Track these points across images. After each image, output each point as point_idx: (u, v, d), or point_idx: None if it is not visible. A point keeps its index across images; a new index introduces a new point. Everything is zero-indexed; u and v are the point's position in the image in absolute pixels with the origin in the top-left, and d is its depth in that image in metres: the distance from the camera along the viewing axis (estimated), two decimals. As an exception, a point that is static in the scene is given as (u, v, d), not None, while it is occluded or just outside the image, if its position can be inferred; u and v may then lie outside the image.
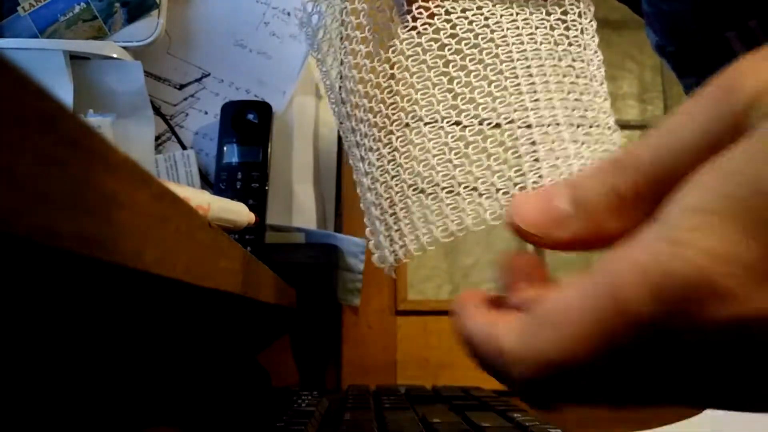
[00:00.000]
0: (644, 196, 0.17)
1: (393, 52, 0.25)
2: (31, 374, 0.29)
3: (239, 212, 0.31)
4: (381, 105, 0.25)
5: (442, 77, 0.24)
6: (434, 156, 0.23)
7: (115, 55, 0.63)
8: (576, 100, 0.25)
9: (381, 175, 0.25)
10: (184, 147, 0.69)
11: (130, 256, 0.16)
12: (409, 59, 0.25)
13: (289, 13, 0.70)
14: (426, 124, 0.24)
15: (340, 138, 0.74)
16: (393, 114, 0.25)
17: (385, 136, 0.25)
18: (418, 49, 0.24)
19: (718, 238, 0.14)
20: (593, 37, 0.26)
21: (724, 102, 0.16)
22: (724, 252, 0.14)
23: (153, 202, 0.17)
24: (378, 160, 0.25)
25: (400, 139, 0.24)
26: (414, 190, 0.24)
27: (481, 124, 0.23)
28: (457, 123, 0.24)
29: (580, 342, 0.16)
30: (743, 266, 0.14)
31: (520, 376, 0.17)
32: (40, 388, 0.30)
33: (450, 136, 0.23)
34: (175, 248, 0.20)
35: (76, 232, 0.13)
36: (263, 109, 0.67)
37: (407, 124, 0.24)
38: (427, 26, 0.25)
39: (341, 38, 0.27)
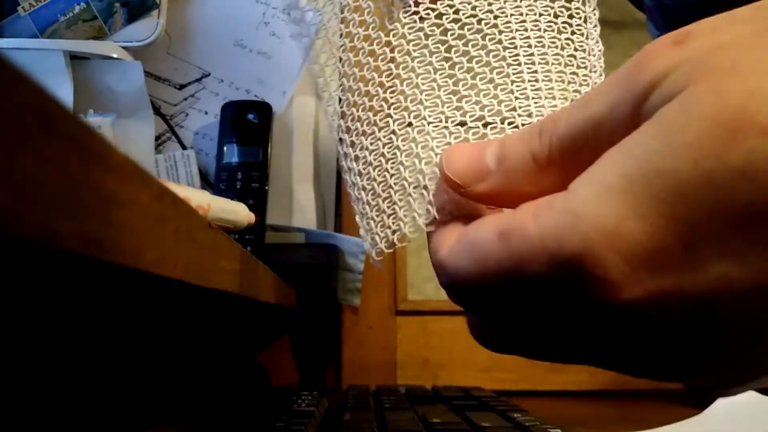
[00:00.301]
0: (557, 162, 0.18)
1: (394, 35, 0.25)
2: (31, 374, 0.29)
3: (239, 212, 0.31)
4: (379, 89, 0.25)
5: (443, 62, 0.24)
6: (434, 141, 0.23)
7: (115, 55, 0.63)
8: (575, 91, 0.25)
9: (375, 159, 0.24)
10: (184, 147, 0.69)
11: (130, 256, 0.16)
12: (411, 43, 0.24)
13: (289, 13, 0.70)
14: (426, 107, 0.24)
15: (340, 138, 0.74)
16: (392, 97, 0.25)
17: (381, 120, 0.25)
18: (420, 33, 0.24)
19: (611, 213, 0.15)
20: (596, 26, 0.26)
21: (630, 82, 0.16)
22: (613, 229, 0.15)
23: (153, 202, 0.17)
24: (372, 144, 0.25)
25: (398, 123, 0.24)
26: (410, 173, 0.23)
27: (482, 110, 0.23)
28: (458, 108, 0.24)
29: (482, 273, 0.17)
30: (628, 245, 0.15)
31: (441, 281, 0.20)
32: (41, 388, 0.30)
33: (451, 122, 0.23)
34: (175, 248, 0.20)
35: (76, 231, 0.13)
36: (263, 109, 0.67)
37: (406, 107, 0.24)
38: (429, 11, 0.25)
39: (341, 34, 0.27)
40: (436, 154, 0.23)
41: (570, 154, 0.18)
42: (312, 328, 0.69)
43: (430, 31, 0.24)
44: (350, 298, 0.70)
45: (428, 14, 0.25)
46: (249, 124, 0.66)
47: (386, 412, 0.41)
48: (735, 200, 0.14)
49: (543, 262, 0.16)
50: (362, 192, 0.25)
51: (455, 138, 0.23)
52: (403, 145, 0.24)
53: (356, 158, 0.25)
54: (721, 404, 0.52)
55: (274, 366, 0.62)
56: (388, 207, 0.24)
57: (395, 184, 0.23)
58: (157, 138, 0.68)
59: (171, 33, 0.69)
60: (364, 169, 0.25)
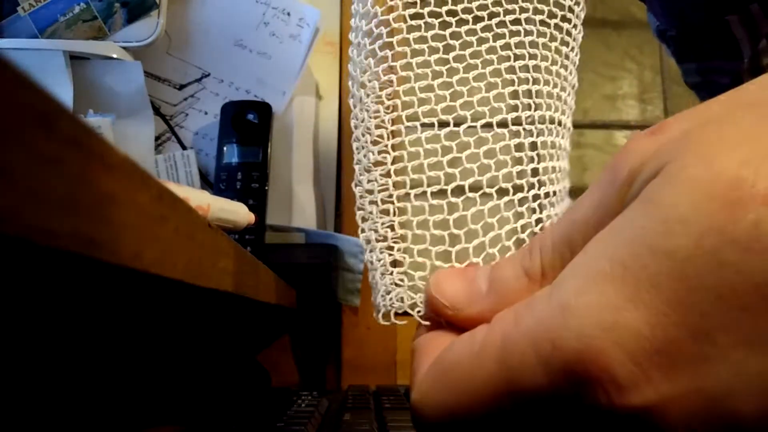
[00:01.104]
0: (549, 276, 0.17)
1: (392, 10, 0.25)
2: (31, 375, 0.29)
3: (239, 212, 0.31)
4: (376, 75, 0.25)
5: (438, 42, 0.24)
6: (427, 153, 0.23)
7: (114, 56, 0.63)
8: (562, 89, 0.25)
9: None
10: (184, 147, 0.69)
11: (129, 256, 0.16)
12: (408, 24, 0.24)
13: (289, 14, 0.70)
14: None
15: (340, 138, 0.74)
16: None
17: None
18: (421, 22, 0.24)
19: (606, 303, 0.13)
20: (583, 8, 0.26)
21: (611, 179, 0.16)
22: (612, 321, 0.13)
23: (152, 202, 0.17)
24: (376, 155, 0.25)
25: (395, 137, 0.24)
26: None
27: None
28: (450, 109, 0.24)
29: (466, 404, 0.15)
30: (631, 340, 0.13)
31: (418, 427, 0.17)
32: (40, 389, 0.30)
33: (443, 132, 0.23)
34: (175, 248, 0.20)
35: (74, 231, 0.13)
36: (263, 110, 0.67)
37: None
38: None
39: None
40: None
41: (561, 263, 0.16)
42: (312, 329, 0.69)
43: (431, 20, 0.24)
44: (350, 299, 0.70)
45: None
46: (249, 124, 0.66)
47: (386, 412, 0.40)
48: (745, 279, 0.12)
49: (537, 372, 0.14)
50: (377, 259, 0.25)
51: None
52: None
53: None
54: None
55: (274, 366, 0.62)
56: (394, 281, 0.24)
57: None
58: (157, 138, 0.68)
59: (171, 33, 0.69)
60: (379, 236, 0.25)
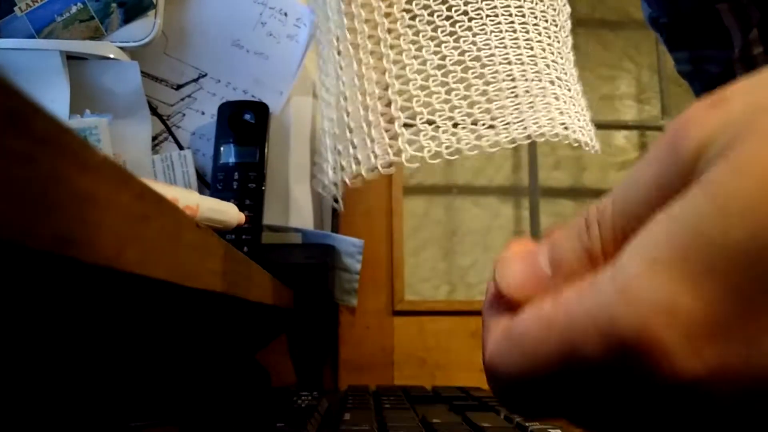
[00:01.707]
0: (610, 249, 0.17)
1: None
2: (30, 376, 0.29)
3: (228, 212, 0.31)
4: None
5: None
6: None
7: (111, 56, 0.63)
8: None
9: (351, 92, 0.24)
10: (181, 147, 0.69)
11: (109, 256, 0.16)
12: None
13: (286, 14, 0.70)
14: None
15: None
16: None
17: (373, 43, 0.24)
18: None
19: (664, 288, 0.14)
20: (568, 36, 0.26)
21: (672, 152, 0.16)
22: (669, 304, 0.14)
23: (133, 201, 0.17)
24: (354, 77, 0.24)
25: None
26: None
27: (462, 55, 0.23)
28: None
29: (535, 367, 0.17)
30: (686, 321, 0.14)
31: (493, 385, 0.19)
32: (38, 389, 0.30)
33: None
34: (159, 248, 0.20)
35: (49, 230, 0.13)
36: (260, 110, 0.67)
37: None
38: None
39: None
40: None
41: (621, 238, 0.17)
42: (309, 329, 0.69)
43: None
44: (347, 299, 0.70)
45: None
46: (246, 124, 0.66)
47: (386, 412, 0.40)
48: None
49: (596, 343, 0.15)
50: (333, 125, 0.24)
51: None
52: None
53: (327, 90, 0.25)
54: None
55: (271, 366, 0.62)
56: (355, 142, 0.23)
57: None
58: (154, 138, 0.68)
59: (168, 33, 0.69)
60: (342, 101, 0.24)
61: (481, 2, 0.24)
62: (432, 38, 0.24)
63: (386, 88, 0.23)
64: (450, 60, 0.23)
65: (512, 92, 0.25)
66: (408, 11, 0.24)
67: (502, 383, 0.18)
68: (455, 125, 0.24)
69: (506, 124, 0.28)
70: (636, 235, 0.15)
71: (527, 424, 0.37)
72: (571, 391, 0.17)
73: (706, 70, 0.42)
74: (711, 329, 0.14)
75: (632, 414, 0.16)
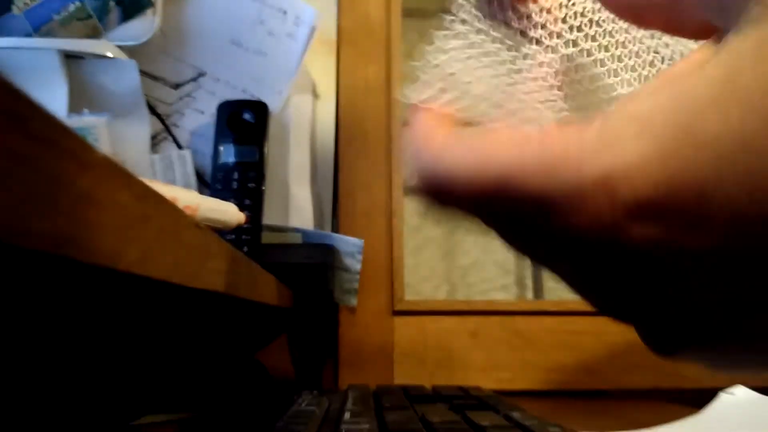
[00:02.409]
0: None
1: None
2: (31, 376, 0.29)
3: (228, 212, 0.31)
4: None
5: None
6: None
7: (110, 54, 0.63)
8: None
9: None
10: (180, 147, 0.69)
11: (109, 256, 0.15)
12: None
13: (285, 12, 0.70)
14: None
15: (337, 137, 0.74)
16: None
17: None
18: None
19: (642, 150, 0.14)
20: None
21: None
22: (640, 164, 0.14)
23: (133, 201, 0.17)
24: None
25: None
26: None
27: None
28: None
29: (487, 176, 0.17)
30: (644, 185, 0.14)
31: (428, 176, 0.18)
32: (40, 388, 0.30)
33: None
34: (159, 248, 0.20)
35: (48, 231, 0.12)
36: (259, 109, 0.67)
37: None
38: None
39: None
40: None
41: None
42: (309, 329, 0.68)
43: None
44: (347, 298, 0.70)
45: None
46: (245, 123, 0.66)
47: (386, 411, 0.40)
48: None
49: (557, 178, 0.15)
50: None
51: None
52: None
53: None
54: (719, 404, 0.52)
55: (271, 366, 0.62)
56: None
57: None
58: (153, 138, 0.68)
59: (166, 32, 0.68)
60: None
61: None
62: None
63: None
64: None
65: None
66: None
67: (434, 180, 0.18)
68: None
69: None
70: (639, 90, 0.16)
71: (527, 423, 0.37)
72: (507, 207, 0.17)
73: None
74: (660, 206, 0.14)
75: (559, 252, 0.17)
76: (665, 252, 0.15)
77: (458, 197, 0.18)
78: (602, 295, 0.17)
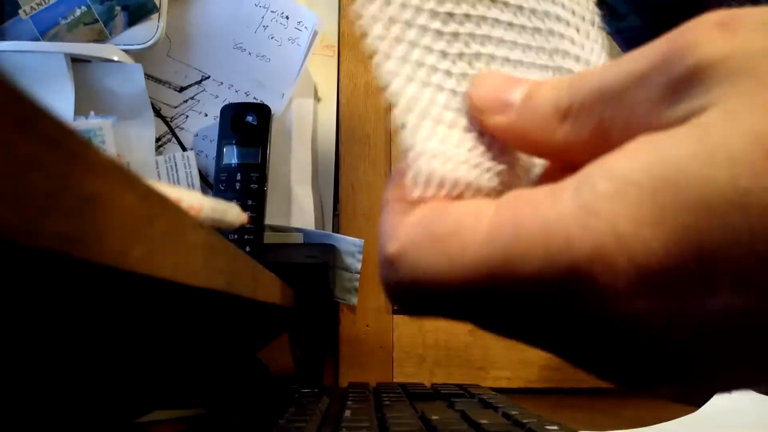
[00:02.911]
0: (573, 117, 0.17)
1: None
2: (35, 373, 0.29)
3: (231, 212, 0.32)
4: None
5: None
6: None
7: (115, 58, 0.64)
8: None
9: None
10: (184, 148, 0.70)
11: (114, 255, 0.16)
12: None
13: (287, 17, 0.71)
14: None
15: (338, 139, 0.75)
16: None
17: None
18: None
19: (630, 216, 0.13)
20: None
21: (669, 61, 0.15)
22: (631, 233, 0.13)
23: (139, 202, 0.18)
24: None
25: None
26: None
27: None
28: None
29: (455, 273, 0.15)
30: (642, 255, 0.13)
31: (390, 278, 0.17)
32: (43, 386, 0.30)
33: None
34: (163, 247, 0.20)
35: (55, 231, 0.13)
36: (262, 111, 0.68)
37: None
38: None
39: None
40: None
41: (588, 113, 0.16)
42: (310, 327, 0.69)
43: None
44: (348, 297, 0.71)
45: None
46: (248, 125, 0.67)
47: (386, 409, 0.41)
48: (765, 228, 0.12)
49: (542, 264, 0.14)
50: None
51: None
52: None
53: None
54: (717, 403, 0.52)
55: (272, 364, 0.62)
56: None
57: None
58: (158, 139, 0.69)
59: (171, 36, 0.69)
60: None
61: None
62: None
63: None
64: None
65: None
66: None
67: (404, 278, 0.16)
68: None
69: None
70: (611, 153, 0.14)
71: (525, 421, 0.38)
72: (487, 303, 0.15)
73: None
74: (665, 270, 0.13)
75: (551, 329, 0.15)
76: (667, 322, 0.14)
77: (428, 301, 0.16)
78: (587, 359, 0.16)
